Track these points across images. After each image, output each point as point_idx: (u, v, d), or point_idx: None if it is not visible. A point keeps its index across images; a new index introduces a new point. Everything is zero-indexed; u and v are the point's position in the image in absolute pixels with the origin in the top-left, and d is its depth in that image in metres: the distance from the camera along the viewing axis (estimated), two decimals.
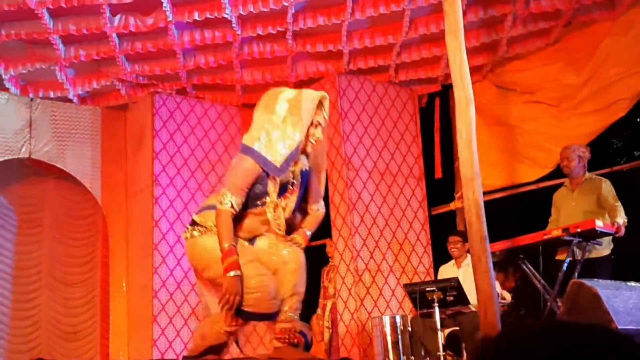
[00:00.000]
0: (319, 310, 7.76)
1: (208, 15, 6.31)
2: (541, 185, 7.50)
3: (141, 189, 7.64)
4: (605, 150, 11.50)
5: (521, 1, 6.41)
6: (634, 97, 6.81)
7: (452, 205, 8.13)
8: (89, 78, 7.41)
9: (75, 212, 8.25)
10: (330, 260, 7.97)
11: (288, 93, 3.70)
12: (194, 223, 3.71)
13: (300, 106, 3.57)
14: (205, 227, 3.65)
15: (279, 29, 6.58)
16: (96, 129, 7.94)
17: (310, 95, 3.64)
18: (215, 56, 7.07)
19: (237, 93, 7.88)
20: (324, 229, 7.67)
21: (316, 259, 8.65)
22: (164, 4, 6.12)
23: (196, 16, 6.30)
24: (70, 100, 7.70)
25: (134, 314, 7.51)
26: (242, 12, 6.30)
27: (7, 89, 7.32)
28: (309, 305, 8.62)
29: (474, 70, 7.42)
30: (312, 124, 3.62)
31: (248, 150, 3.56)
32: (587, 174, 5.87)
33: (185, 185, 7.71)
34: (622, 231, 5.42)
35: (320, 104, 3.63)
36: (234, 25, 6.47)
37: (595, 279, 4.87)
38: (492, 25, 6.90)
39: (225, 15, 6.31)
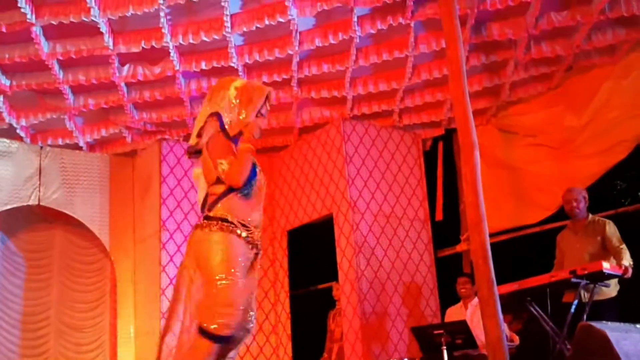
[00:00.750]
0: (325, 354, 7.68)
1: (215, 64, 6.38)
2: (545, 227, 7.46)
3: (149, 235, 7.63)
4: (609, 192, 11.47)
5: (522, 47, 6.47)
6: (635, 138, 6.82)
7: (458, 248, 8.09)
8: (97, 126, 7.47)
9: (83, 257, 8.21)
10: (337, 303, 7.91)
11: (237, 82, 3.73)
12: (209, 218, 3.47)
13: (250, 95, 3.64)
14: (225, 221, 3.44)
15: (284, 76, 6.65)
16: (105, 175, 7.96)
17: (259, 87, 3.72)
18: None
19: None
20: (331, 272, 7.65)
21: (323, 302, 8.60)
22: (172, 54, 6.20)
23: (203, 65, 6.38)
24: (80, 148, 7.75)
25: (141, 359, 7.42)
26: (248, 61, 6.37)
27: (19, 137, 7.37)
28: (317, 348, 8.55)
29: (477, 113, 7.49)
30: (259, 113, 3.65)
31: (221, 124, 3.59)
32: (590, 216, 5.85)
33: (178, 228, 7.65)
34: (630, 273, 5.38)
35: (267, 98, 3.68)
36: (240, 73, 6.53)
37: (604, 321, 4.82)
38: (495, 70, 6.96)
39: (232, 64, 6.38)
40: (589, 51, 6.69)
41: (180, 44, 6.06)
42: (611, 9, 5.95)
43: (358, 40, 6.19)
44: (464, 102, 4.23)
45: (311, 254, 9.55)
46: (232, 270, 3.37)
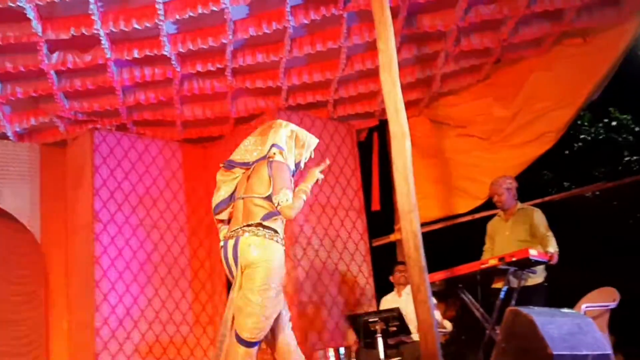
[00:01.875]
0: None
1: (147, 53, 6.20)
2: (476, 216, 7.57)
3: (82, 226, 7.40)
4: (537, 182, 11.78)
5: (452, 39, 6.51)
6: (559, 130, 7.00)
7: (392, 237, 8.13)
8: (26, 115, 7.14)
9: (15, 249, 7.91)
10: None
11: (293, 125, 4.38)
12: (261, 226, 3.94)
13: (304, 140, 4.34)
14: (275, 232, 3.97)
15: (219, 65, 6.51)
16: (34, 166, 7.64)
17: (312, 136, 4.41)
18: (156, 93, 6.95)
19: (178, 129, 7.75)
20: None
21: None
22: (103, 41, 5.99)
23: (135, 54, 6.18)
24: (7, 138, 7.43)
25: (75, 353, 7.21)
26: (181, 50, 6.20)
27: None
28: None
29: (409, 105, 7.48)
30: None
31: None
32: (519, 204, 5.95)
33: (127, 221, 7.49)
34: (555, 259, 5.49)
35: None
36: (173, 62, 6.37)
37: (531, 307, 4.91)
38: (426, 61, 6.98)
39: (165, 53, 6.21)
40: (516, 44, 6.78)
41: (111, 31, 5.84)
42: (536, 3, 6.04)
43: (292, 31, 6.10)
44: (395, 93, 4.22)
45: None
46: (277, 281, 3.85)
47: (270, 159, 4.11)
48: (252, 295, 3.80)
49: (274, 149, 4.13)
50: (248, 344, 3.80)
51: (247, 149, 4.29)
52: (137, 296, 7.37)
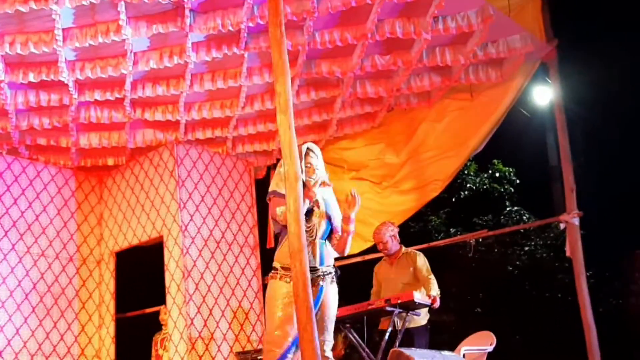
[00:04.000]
0: None
1: (44, 78, 5.91)
2: (366, 257, 7.60)
3: None
4: (424, 227, 12.06)
5: (349, 85, 6.59)
6: (446, 178, 7.18)
7: None
8: None
9: None
10: (163, 327, 7.57)
11: None
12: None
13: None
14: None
15: (117, 95, 6.29)
16: None
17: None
18: (50, 118, 6.64)
19: (73, 156, 7.40)
20: (158, 296, 7.30)
21: (150, 326, 8.19)
22: None
23: (31, 77, 5.88)
24: None
25: None
26: (79, 77, 5.96)
27: None
28: None
29: None
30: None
31: None
32: (404, 249, 6.04)
33: (13, 248, 7.07)
34: (437, 302, 5.57)
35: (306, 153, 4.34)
36: (70, 88, 6.10)
37: (413, 348, 4.94)
38: (323, 105, 7.03)
39: (62, 79, 5.94)
40: (408, 94, 6.95)
41: (7, 53, 5.54)
42: (428, 57, 6.22)
43: (192, 66, 5.99)
44: (290, 135, 4.15)
45: (139, 276, 9.10)
46: None
47: None
48: None
49: None
50: None
51: None
52: (19, 326, 6.92)
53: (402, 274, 5.87)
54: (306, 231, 4.05)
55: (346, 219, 4.23)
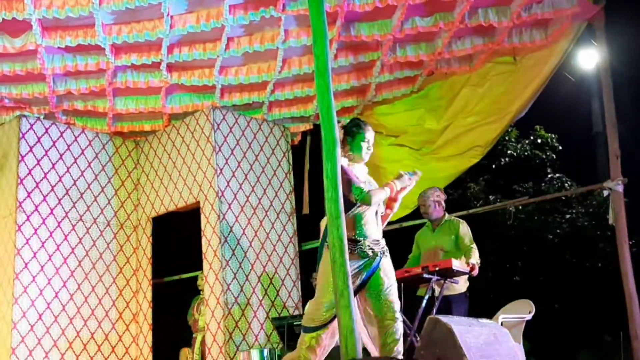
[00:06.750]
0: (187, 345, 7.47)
1: (81, 42, 5.96)
2: (404, 224, 7.58)
3: (3, 215, 7.05)
4: (463, 194, 11.99)
5: (388, 49, 6.50)
6: (487, 144, 7.10)
7: None
8: None
9: None
10: (201, 292, 7.69)
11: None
12: None
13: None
14: None
15: (154, 59, 6.31)
16: None
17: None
18: (88, 82, 6.70)
19: (109, 121, 7.49)
20: (196, 261, 7.41)
21: (187, 291, 8.34)
22: (34, 27, 5.71)
23: (68, 42, 5.92)
24: None
25: None
26: (116, 41, 5.99)
27: None
28: (180, 337, 8.30)
29: (344, 111, 7.51)
30: None
31: None
32: (447, 216, 6.01)
33: (52, 212, 7.19)
34: (476, 271, 5.56)
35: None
36: (107, 53, 6.14)
37: (451, 315, 4.94)
38: (362, 69, 6.95)
39: (99, 43, 5.98)
40: (449, 58, 6.83)
41: (44, 17, 5.58)
42: (470, 19, 6.10)
43: (229, 29, 5.97)
44: (328, 99, 4.13)
45: (176, 242, 9.25)
46: None
47: None
48: None
49: None
50: None
51: None
52: (58, 290, 7.08)
53: (443, 241, 5.87)
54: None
55: (394, 199, 4.46)
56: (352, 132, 4.44)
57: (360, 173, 4.40)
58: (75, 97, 6.98)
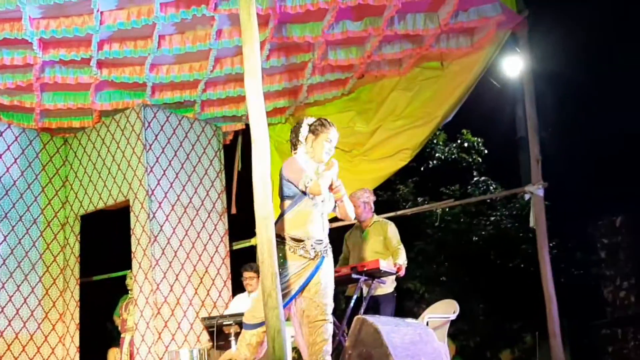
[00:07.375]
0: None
1: (7, 35, 5.75)
2: (334, 225, 7.62)
3: None
4: (392, 195, 12.15)
5: (320, 51, 6.54)
6: (415, 147, 7.22)
7: (253, 241, 8.03)
8: None
9: None
10: (129, 292, 7.55)
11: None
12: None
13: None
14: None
15: (83, 55, 6.16)
16: None
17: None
18: (14, 77, 6.47)
19: (37, 117, 7.25)
20: (125, 260, 7.26)
21: (115, 290, 8.17)
22: None
23: None
24: None
25: None
26: (44, 36, 5.81)
27: None
28: (108, 337, 8.13)
29: (276, 111, 7.51)
30: None
31: None
32: (376, 217, 6.09)
33: None
34: (403, 271, 5.64)
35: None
36: (35, 47, 5.95)
37: (378, 315, 5.01)
38: (293, 71, 6.97)
39: (26, 37, 5.78)
40: (379, 62, 6.92)
41: None
42: (399, 25, 6.19)
43: (160, 27, 5.88)
44: (258, 99, 4.13)
45: (105, 241, 9.04)
46: None
47: None
48: None
49: None
50: None
51: None
52: None
53: (372, 242, 5.94)
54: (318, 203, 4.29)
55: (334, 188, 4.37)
56: (317, 130, 4.35)
57: (310, 170, 4.32)
58: (1, 91, 6.74)
